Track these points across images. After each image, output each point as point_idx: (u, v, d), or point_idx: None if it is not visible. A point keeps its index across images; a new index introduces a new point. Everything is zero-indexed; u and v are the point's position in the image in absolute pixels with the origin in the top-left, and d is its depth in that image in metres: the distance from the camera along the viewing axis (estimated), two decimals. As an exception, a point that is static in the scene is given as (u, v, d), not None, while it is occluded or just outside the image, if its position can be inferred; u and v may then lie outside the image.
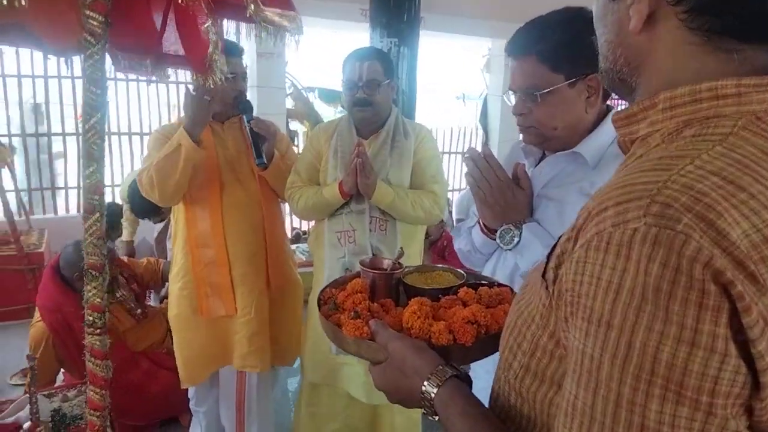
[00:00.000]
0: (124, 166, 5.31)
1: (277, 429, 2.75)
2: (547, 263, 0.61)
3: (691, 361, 0.45)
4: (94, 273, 0.83)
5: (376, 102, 2.01)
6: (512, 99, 1.30)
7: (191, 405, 2.53)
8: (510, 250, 1.28)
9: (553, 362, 0.59)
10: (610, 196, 0.52)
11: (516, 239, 1.26)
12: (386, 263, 1.02)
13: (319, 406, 2.27)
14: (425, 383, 0.69)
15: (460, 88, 8.27)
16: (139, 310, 2.95)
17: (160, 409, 2.80)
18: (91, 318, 0.84)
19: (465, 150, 6.68)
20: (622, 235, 0.48)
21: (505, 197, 1.26)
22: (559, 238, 0.62)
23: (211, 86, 1.20)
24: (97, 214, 0.81)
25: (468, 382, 0.72)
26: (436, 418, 0.69)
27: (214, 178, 2.14)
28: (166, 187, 2.02)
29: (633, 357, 0.47)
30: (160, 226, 3.89)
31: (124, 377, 2.65)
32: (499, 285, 1.02)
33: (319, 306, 0.94)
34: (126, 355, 2.80)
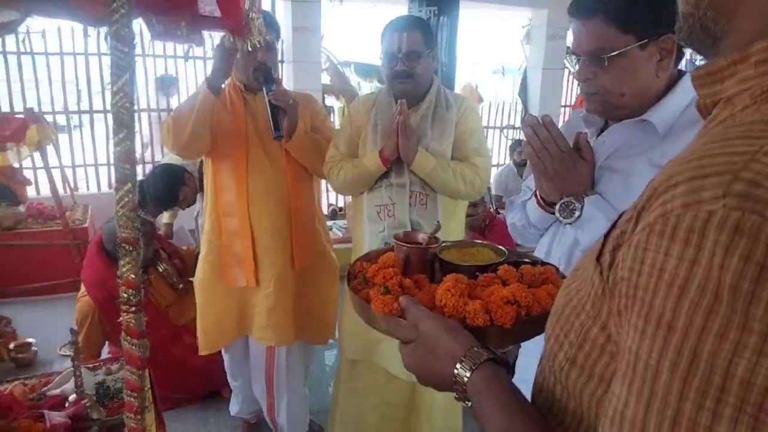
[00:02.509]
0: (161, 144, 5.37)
1: (316, 404, 2.77)
2: (603, 245, 0.53)
3: None
4: (127, 247, 0.80)
5: (417, 74, 1.94)
6: (575, 64, 1.21)
7: (229, 379, 2.56)
8: (570, 224, 1.22)
9: (603, 357, 0.52)
10: (683, 169, 0.43)
11: (577, 212, 1.19)
12: (421, 237, 0.96)
13: (357, 381, 2.26)
14: (458, 366, 0.63)
15: (499, 62, 8.05)
16: (180, 285, 2.99)
17: (203, 383, 2.85)
18: (126, 295, 0.81)
19: (502, 125, 6.54)
20: (694, 218, 0.40)
21: (566, 168, 1.19)
22: (619, 216, 0.54)
23: (248, 49, 1.16)
24: (129, 185, 0.77)
25: (506, 366, 0.65)
26: (468, 404, 0.63)
27: (241, 147, 2.13)
28: (182, 133, 2.03)
29: (699, 368, 0.39)
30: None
31: (168, 351, 2.70)
32: (543, 264, 0.94)
33: (349, 280, 0.89)
34: (169, 330, 2.84)
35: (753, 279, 0.37)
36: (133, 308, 0.81)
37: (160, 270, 2.94)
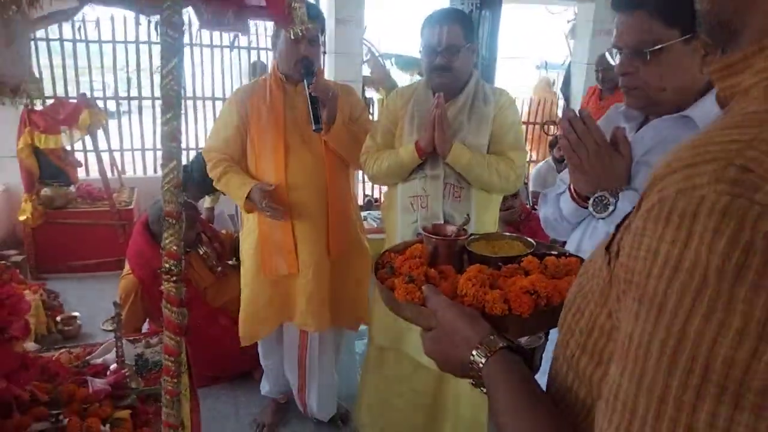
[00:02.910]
0: (207, 131, 5.51)
1: (344, 390, 2.82)
2: (614, 235, 0.54)
3: (756, 359, 0.38)
4: (171, 221, 0.85)
5: (456, 68, 1.94)
6: (616, 57, 1.20)
7: (261, 360, 2.64)
8: (603, 218, 1.21)
9: (609, 344, 0.53)
10: (681, 156, 0.44)
11: (611, 207, 1.18)
12: (450, 230, 0.98)
13: (385, 369, 2.30)
14: (474, 353, 0.65)
15: (542, 56, 7.92)
16: (219, 268, 3.08)
17: (236, 364, 2.94)
18: (167, 265, 0.87)
19: (543, 120, 6.42)
20: (687, 203, 0.41)
21: (602, 163, 1.18)
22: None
23: (291, 37, 1.20)
24: (175, 162, 0.82)
25: (524, 355, 0.66)
26: (484, 390, 0.65)
27: (279, 139, 2.19)
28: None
29: (686, 348, 0.40)
30: None
31: (204, 332, 2.79)
32: (569, 255, 0.95)
33: (377, 269, 0.92)
34: (206, 311, 2.94)
35: (738, 261, 0.38)
36: (174, 278, 0.86)
37: (201, 253, 3.03)
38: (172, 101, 0.77)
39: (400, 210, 2.06)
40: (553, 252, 0.96)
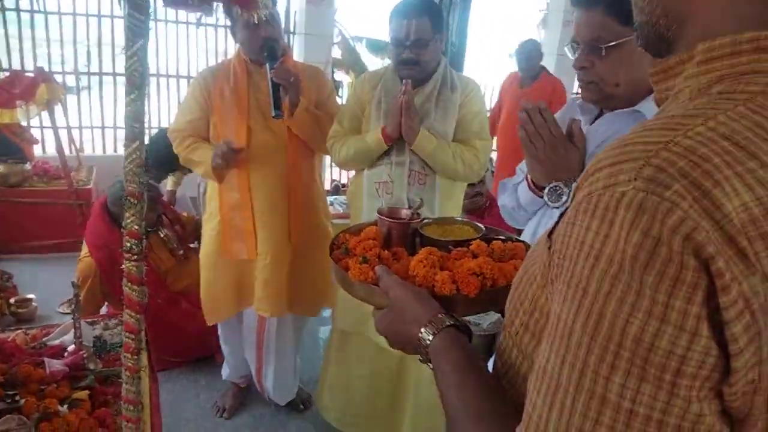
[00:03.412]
0: (171, 109, 5.39)
1: (306, 374, 2.84)
2: (557, 222, 0.58)
3: (658, 337, 0.43)
4: (132, 200, 0.85)
5: (424, 61, 1.95)
6: (574, 52, 1.23)
7: (221, 343, 2.63)
8: (557, 208, 1.24)
9: (548, 323, 0.57)
10: (609, 155, 0.48)
11: (564, 197, 1.22)
12: (404, 213, 1.01)
13: (348, 352, 2.32)
14: (422, 330, 0.68)
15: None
16: (180, 251, 3.04)
17: (197, 348, 2.92)
18: (128, 244, 0.86)
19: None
20: (610, 198, 0.45)
21: (557, 154, 1.22)
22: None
23: (255, 22, 1.19)
24: (138, 142, 0.82)
25: (468, 333, 0.70)
26: (431, 366, 0.68)
27: (242, 122, 2.15)
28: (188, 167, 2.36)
29: (603, 327, 0.45)
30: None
31: (165, 316, 2.76)
32: (516, 241, 0.99)
33: (331, 250, 0.94)
34: (167, 294, 2.91)
35: (649, 251, 0.43)
36: (135, 257, 0.86)
37: (162, 235, 2.99)
38: (136, 82, 0.76)
39: (365, 196, 2.07)
40: (500, 237, 0.99)
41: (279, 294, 2.31)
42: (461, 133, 2.04)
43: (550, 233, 0.57)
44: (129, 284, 0.89)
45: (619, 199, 0.45)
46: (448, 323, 0.68)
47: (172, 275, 3.00)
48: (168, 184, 4.05)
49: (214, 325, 2.56)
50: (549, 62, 6.26)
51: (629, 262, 0.44)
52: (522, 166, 1.48)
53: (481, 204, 3.91)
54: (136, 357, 0.95)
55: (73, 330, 1.53)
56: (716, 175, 0.43)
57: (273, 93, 2.07)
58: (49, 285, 3.59)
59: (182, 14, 5.07)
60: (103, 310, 2.94)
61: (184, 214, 3.48)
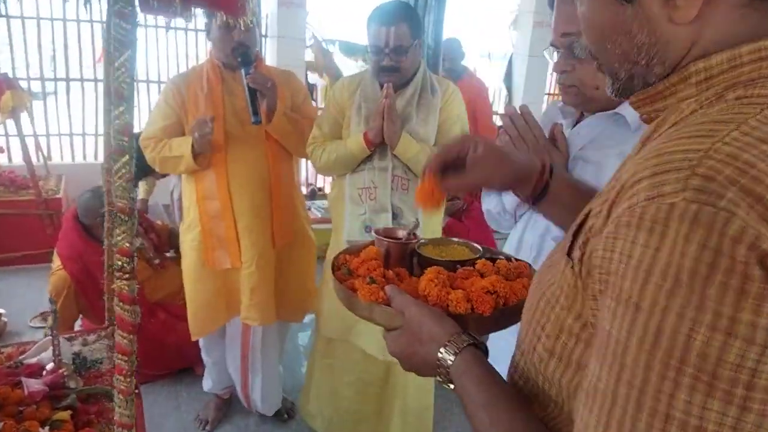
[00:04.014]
0: (141, 114, 5.28)
1: (288, 382, 2.81)
2: (573, 240, 0.57)
3: (726, 351, 0.41)
4: (123, 217, 0.82)
5: (404, 67, 1.94)
6: (554, 56, 1.24)
7: (202, 355, 2.58)
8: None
9: (579, 346, 0.56)
10: (645, 166, 0.47)
11: None
12: (401, 233, 1.00)
13: (333, 359, 2.30)
14: (441, 350, 0.67)
15: (485, 47, 8.05)
16: (157, 260, 2.98)
17: (177, 360, 2.86)
18: (120, 262, 0.84)
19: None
20: (657, 210, 0.44)
21: (541, 158, 1.22)
22: (586, 214, 0.58)
23: (242, 28, 1.17)
24: (127, 157, 0.79)
25: (485, 351, 0.69)
26: (451, 386, 0.67)
27: (218, 129, 2.11)
28: (167, 170, 2.32)
29: (662, 343, 0.43)
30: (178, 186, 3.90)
31: (144, 328, 2.67)
32: (516, 260, 0.99)
33: (333, 271, 0.92)
34: (144, 306, 2.81)
35: (708, 263, 0.42)
36: (127, 275, 0.83)
37: (137, 245, 2.91)
38: (124, 94, 0.73)
39: (348, 201, 2.05)
40: (500, 256, 0.99)
41: (267, 301, 2.27)
42: (443, 137, 2.04)
43: (569, 252, 0.56)
44: (121, 304, 0.86)
45: (668, 210, 0.44)
46: (468, 342, 0.67)
47: (149, 285, 2.93)
48: (139, 192, 3.96)
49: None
50: (521, 63, 6.34)
51: (687, 275, 0.42)
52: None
53: (459, 206, 3.93)
54: (129, 379, 0.92)
55: (51, 347, 1.48)
56: (766, 179, 0.42)
57: (250, 99, 2.04)
58: (19, 298, 3.48)
59: (150, 18, 4.98)
60: (77, 323, 2.87)
61: (159, 222, 3.41)
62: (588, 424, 0.48)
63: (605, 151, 1.20)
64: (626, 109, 1.17)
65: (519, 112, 1.24)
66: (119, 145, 0.77)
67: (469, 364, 0.65)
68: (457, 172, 0.85)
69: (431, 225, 2.09)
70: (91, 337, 1.71)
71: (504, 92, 6.59)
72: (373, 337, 2.14)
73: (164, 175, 3.79)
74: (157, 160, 2.18)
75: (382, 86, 1.99)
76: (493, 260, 0.93)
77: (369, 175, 2.00)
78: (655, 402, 0.44)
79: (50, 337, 1.49)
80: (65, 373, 1.43)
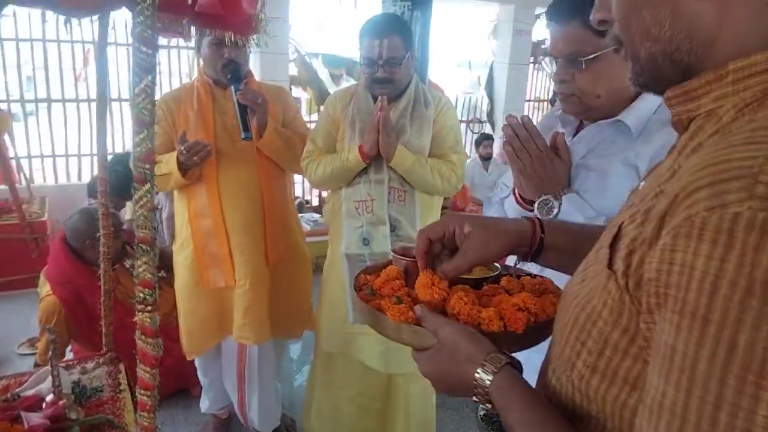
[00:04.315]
0: (125, 133, 5.22)
1: (285, 397, 2.77)
2: (611, 253, 0.56)
3: None
4: (144, 247, 0.80)
5: (398, 79, 1.94)
6: (552, 65, 1.24)
7: (199, 375, 2.54)
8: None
9: (626, 361, 0.54)
10: (701, 176, 0.46)
11: (555, 210, 1.22)
12: None
13: (334, 373, 2.28)
14: (479, 370, 0.66)
15: (466, 56, 8.12)
16: (148, 281, 2.92)
17: (172, 382, 2.81)
18: (142, 295, 0.81)
19: (468, 118, 6.61)
20: (720, 220, 0.43)
21: (544, 167, 1.22)
22: (619, 225, 0.57)
23: (249, 49, 1.16)
24: (148, 185, 0.77)
25: (520, 369, 0.68)
26: (489, 406, 0.65)
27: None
28: (159, 189, 2.23)
29: (737, 356, 0.42)
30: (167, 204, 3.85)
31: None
32: (535, 276, 0.97)
33: (357, 291, 0.91)
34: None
35: None
36: (149, 307, 0.81)
37: (128, 266, 2.86)
38: (146, 120, 0.72)
39: (345, 215, 2.04)
40: (519, 273, 0.98)
41: (261, 320, 2.25)
42: (437, 149, 2.04)
43: (609, 265, 0.55)
44: (143, 337, 0.84)
45: (732, 220, 0.42)
46: (505, 362, 0.66)
47: (142, 307, 2.87)
48: (127, 213, 3.91)
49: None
50: (501, 72, 6.41)
51: (761, 287, 0.41)
52: (505, 180, 1.49)
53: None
54: (152, 415, 0.89)
55: (49, 378, 1.43)
56: None
57: (240, 115, 2.03)
58: (5, 325, 3.40)
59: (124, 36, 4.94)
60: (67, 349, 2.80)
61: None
62: None
63: (608, 159, 1.21)
64: (627, 116, 1.18)
65: (521, 122, 1.25)
66: (140, 173, 0.76)
67: (509, 383, 0.64)
68: (449, 254, 0.84)
69: None
70: (90, 365, 1.66)
71: (486, 99, 6.65)
72: (375, 350, 2.13)
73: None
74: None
75: (375, 99, 1.99)
76: (518, 276, 0.92)
77: (365, 188, 2.00)
78: (732, 418, 0.42)
79: (48, 368, 1.45)
80: (66, 404, 1.39)
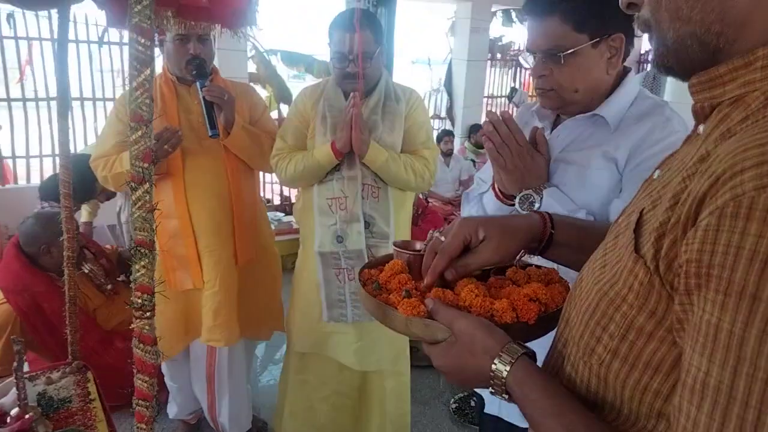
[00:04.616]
0: (81, 132, 5.00)
1: (253, 399, 2.72)
2: (636, 238, 0.57)
3: None
4: (143, 250, 0.75)
5: (369, 74, 1.93)
6: (529, 60, 1.25)
7: (166, 380, 2.47)
8: None
9: (650, 344, 0.55)
10: (746, 156, 0.47)
11: (536, 204, 1.23)
12: (419, 245, 0.98)
13: (307, 374, 2.25)
14: (496, 361, 0.66)
15: (425, 52, 8.16)
16: (109, 286, 2.82)
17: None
18: (139, 300, 0.77)
19: (430, 115, 6.63)
20: None
21: (524, 162, 1.23)
22: (640, 212, 0.57)
23: (240, 41, 1.11)
24: (147, 185, 0.73)
25: (534, 359, 0.69)
26: (506, 397, 0.66)
27: None
28: (123, 187, 2.22)
29: None
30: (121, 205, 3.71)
31: (100, 358, 2.54)
32: (538, 266, 0.97)
33: (363, 287, 0.89)
34: (99, 334, 2.69)
35: None
36: (148, 314, 0.77)
37: (86, 271, 2.75)
38: (144, 117, 0.68)
39: (317, 212, 2.01)
40: (523, 264, 0.97)
41: (231, 321, 2.20)
42: (409, 145, 2.04)
43: (637, 249, 0.56)
44: (141, 345, 0.80)
45: None
46: (521, 352, 0.66)
47: (102, 313, 2.78)
48: (82, 215, 3.75)
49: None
50: (460, 69, 6.48)
51: None
52: (482, 175, 1.49)
53: (414, 212, 3.95)
54: (150, 426, 0.85)
55: (14, 390, 1.36)
56: None
57: (207, 112, 1.97)
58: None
59: (83, 33, 4.75)
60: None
61: (108, 246, 3.24)
62: (698, 421, 0.47)
63: (587, 152, 1.23)
64: (605, 110, 1.21)
65: (501, 118, 1.25)
66: (138, 173, 0.71)
67: (527, 374, 0.64)
68: (461, 256, 0.85)
69: (399, 225, 2.07)
70: (55, 375, 1.59)
71: (445, 96, 6.70)
72: (350, 348, 2.11)
73: (108, 198, 3.61)
74: (109, 178, 2.07)
75: (345, 94, 1.97)
76: (523, 267, 0.92)
77: (338, 184, 1.98)
78: None
79: (11, 380, 1.38)
80: (33, 418, 1.32)
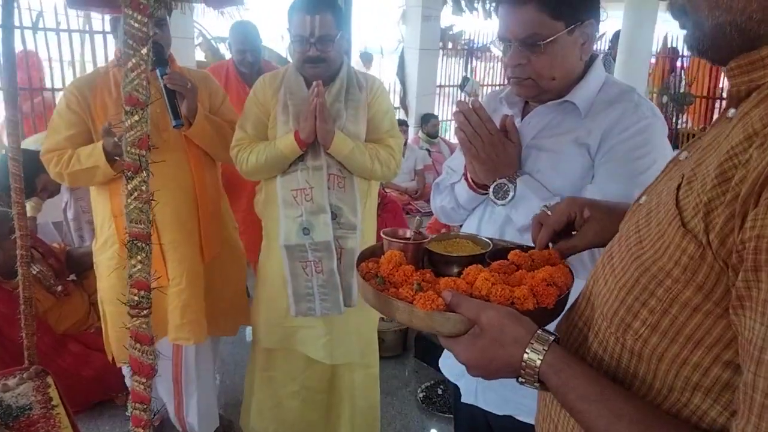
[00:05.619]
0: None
1: (220, 395, 2.67)
2: (680, 213, 0.57)
3: None
4: (139, 244, 0.71)
5: (330, 58, 1.89)
6: (501, 48, 1.25)
7: (126, 381, 2.38)
8: (503, 204, 1.26)
9: (694, 318, 0.55)
10: None
11: (511, 193, 1.23)
12: (408, 233, 0.96)
13: (275, 370, 2.21)
14: (528, 350, 0.64)
15: (377, 43, 8.12)
16: (59, 287, 2.69)
17: (94, 392, 2.62)
18: (136, 297, 0.72)
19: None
20: None
21: (496, 151, 1.23)
22: (678, 182, 0.58)
23: (187, 28, 1.05)
24: (144, 174, 0.68)
25: (558, 342, 0.68)
26: (537, 386, 0.65)
27: None
28: (80, 184, 2.18)
29: None
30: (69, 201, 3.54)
31: (53, 363, 2.42)
32: (529, 248, 0.96)
33: (365, 280, 0.86)
34: (52, 338, 2.56)
35: None
36: (145, 312, 0.72)
37: (35, 272, 2.61)
38: (140, 100, 0.63)
39: (281, 204, 1.97)
40: (511, 246, 0.96)
41: (199, 318, 2.13)
42: (373, 133, 2.02)
43: (683, 224, 0.56)
44: (138, 345, 0.75)
45: None
46: (552, 339, 0.65)
47: (54, 315, 2.65)
48: (27, 210, 3.55)
49: (112, 364, 2.29)
50: (412, 57, 6.48)
51: None
52: (451, 164, 1.49)
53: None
54: (147, 430, 0.80)
55: (-32, 401, 1.28)
56: None
57: (169, 101, 1.89)
58: None
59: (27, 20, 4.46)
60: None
61: (55, 244, 3.08)
62: (756, 386, 0.48)
63: (559, 138, 1.24)
64: (576, 96, 1.22)
65: (472, 107, 1.25)
66: (134, 160, 0.66)
67: (563, 361, 0.63)
68: (563, 236, 0.87)
69: (364, 214, 2.05)
70: (12, 381, 1.50)
71: (398, 85, 6.70)
72: (318, 342, 2.09)
73: (51, 195, 3.43)
74: (65, 175, 1.96)
75: (307, 81, 1.93)
76: (507, 251, 0.91)
77: (303, 175, 1.93)
78: None
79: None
80: (-8, 428, 1.24)
